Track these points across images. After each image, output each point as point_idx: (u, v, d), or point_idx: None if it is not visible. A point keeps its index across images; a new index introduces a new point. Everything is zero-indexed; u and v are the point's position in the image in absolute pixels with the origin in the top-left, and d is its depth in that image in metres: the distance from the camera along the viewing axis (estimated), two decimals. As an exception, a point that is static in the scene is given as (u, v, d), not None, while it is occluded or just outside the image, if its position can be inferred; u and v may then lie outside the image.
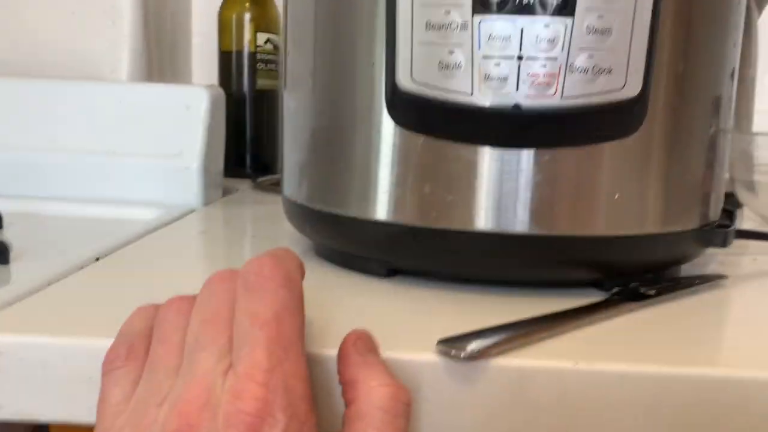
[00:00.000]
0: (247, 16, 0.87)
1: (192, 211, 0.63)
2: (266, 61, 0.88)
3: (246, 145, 0.89)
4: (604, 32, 0.33)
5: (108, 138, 0.65)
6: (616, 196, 0.36)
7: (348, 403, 0.26)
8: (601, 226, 0.36)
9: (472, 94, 0.34)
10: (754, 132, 0.69)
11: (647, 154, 0.36)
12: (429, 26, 0.34)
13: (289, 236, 0.48)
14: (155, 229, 0.53)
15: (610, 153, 0.35)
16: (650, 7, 0.34)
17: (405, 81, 0.35)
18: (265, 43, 0.87)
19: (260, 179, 0.82)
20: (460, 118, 0.35)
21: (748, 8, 0.73)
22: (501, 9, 0.33)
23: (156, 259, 0.45)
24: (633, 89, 0.34)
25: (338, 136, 0.39)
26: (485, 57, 0.33)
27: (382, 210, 0.37)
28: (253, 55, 0.87)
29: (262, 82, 0.88)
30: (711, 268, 0.45)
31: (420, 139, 0.36)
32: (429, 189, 0.36)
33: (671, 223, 0.38)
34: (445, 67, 0.34)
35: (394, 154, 0.37)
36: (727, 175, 0.51)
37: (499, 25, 0.33)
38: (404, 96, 0.35)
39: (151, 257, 0.45)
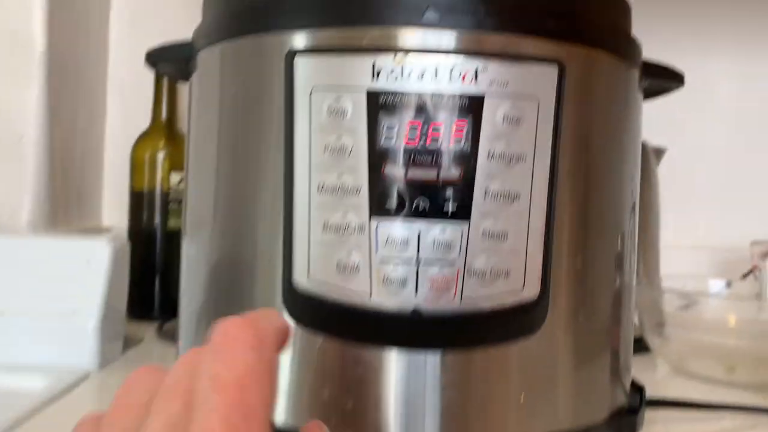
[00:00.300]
0: (161, 155, 0.86)
1: (87, 376, 0.58)
2: (179, 201, 0.86)
3: (154, 287, 0.86)
4: (500, 236, 0.33)
5: (-3, 296, 0.60)
6: (522, 397, 0.35)
7: None
8: (511, 429, 0.35)
9: (371, 296, 0.33)
10: (662, 285, 0.72)
11: (551, 351, 0.36)
12: (326, 227, 0.33)
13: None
14: (39, 408, 0.48)
15: (516, 354, 0.35)
16: (544, 210, 0.34)
17: (302, 279, 0.34)
18: (179, 183, 0.86)
19: (166, 325, 0.78)
20: (359, 319, 0.33)
21: (646, 158, 0.77)
22: (398, 213, 0.33)
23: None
24: (532, 291, 0.34)
25: (234, 329, 0.37)
26: (383, 260, 0.33)
27: (278, 414, 0.35)
28: (165, 195, 0.85)
29: (174, 222, 0.86)
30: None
31: (318, 340, 0.34)
32: (328, 393, 0.34)
33: (582, 417, 0.37)
34: (343, 268, 0.33)
35: (291, 354, 0.35)
36: (636, 321, 0.52)
37: (397, 228, 0.33)
38: (301, 294, 0.34)
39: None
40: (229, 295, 0.37)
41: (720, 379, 0.64)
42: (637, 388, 0.44)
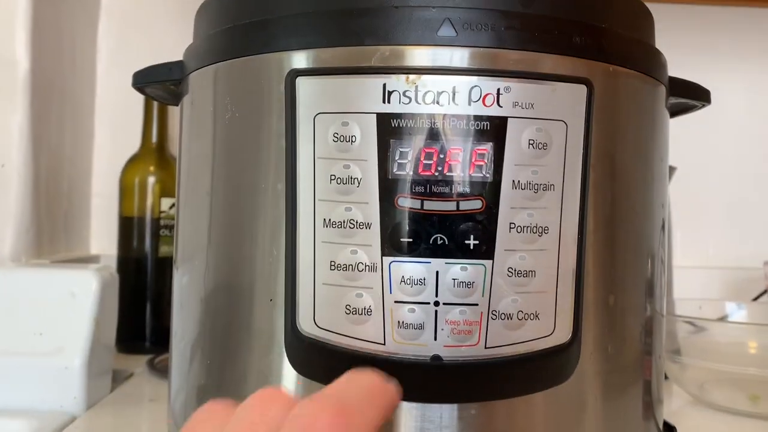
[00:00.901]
0: (152, 180, 0.82)
1: (73, 419, 0.54)
2: (170, 227, 0.82)
3: (145, 315, 0.82)
4: (527, 274, 0.30)
5: (-25, 334, 0.56)
6: (552, 452, 0.31)
7: None
8: (538, 486, 0.31)
9: (384, 343, 0.29)
10: (677, 314, 0.68)
11: (581, 397, 0.32)
12: (334, 267, 0.30)
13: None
14: (19, 459, 0.45)
15: (542, 402, 0.31)
16: (575, 244, 0.31)
17: (307, 325, 0.30)
18: (170, 208, 0.82)
19: (158, 359, 0.74)
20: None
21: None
22: (413, 250, 0.29)
23: None
24: (563, 334, 0.31)
25: (229, 380, 0.33)
26: (398, 302, 0.29)
27: (282, 474, 0.31)
28: (156, 222, 0.82)
29: (165, 249, 0.82)
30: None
31: (326, 391, 0.31)
32: (337, 451, 0.30)
33: (613, 469, 0.34)
34: (353, 311, 0.30)
35: (296, 406, 0.31)
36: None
37: (412, 267, 0.29)
38: (306, 342, 0.30)
39: None
40: (226, 346, 0.34)
41: (743, 411, 0.60)
42: (669, 428, 0.41)
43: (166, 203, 0.82)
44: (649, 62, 0.36)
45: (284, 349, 0.31)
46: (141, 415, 0.58)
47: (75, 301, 0.59)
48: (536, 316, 0.30)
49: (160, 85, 0.41)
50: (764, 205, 0.98)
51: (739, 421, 0.58)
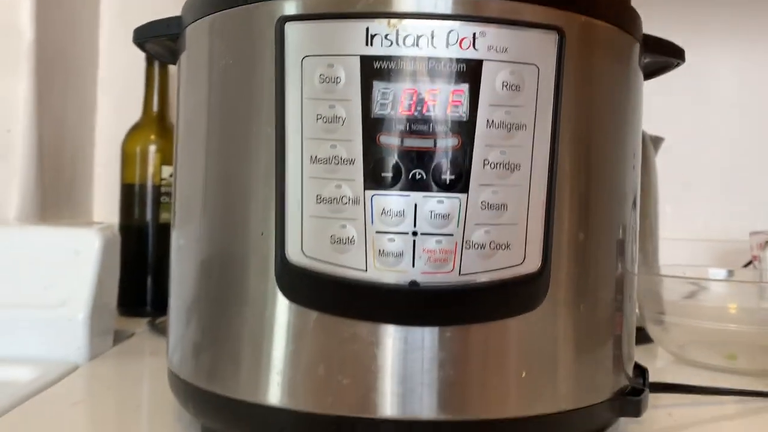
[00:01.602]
0: (152, 148, 0.85)
1: (75, 368, 0.57)
2: (171, 194, 0.84)
3: (147, 281, 0.84)
4: (500, 207, 0.32)
5: (-17, 287, 0.59)
6: (523, 374, 0.34)
7: None
8: (512, 407, 0.34)
9: (366, 270, 0.32)
10: (661, 273, 0.71)
11: (552, 328, 0.35)
12: (320, 200, 0.32)
13: (180, 408, 0.43)
14: (25, 398, 0.47)
15: (514, 329, 0.34)
16: (545, 181, 0.33)
17: (295, 255, 0.33)
18: (171, 176, 0.84)
19: (159, 320, 0.76)
20: (354, 294, 0.32)
21: (645, 147, 0.76)
22: (393, 184, 0.32)
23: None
24: (533, 264, 0.33)
25: (224, 308, 0.36)
26: (379, 232, 0.32)
27: (273, 393, 0.34)
28: (157, 188, 0.84)
29: (166, 216, 0.84)
30: (627, 428, 0.44)
31: (313, 316, 0.33)
32: (324, 371, 0.33)
33: (584, 396, 0.36)
34: (337, 241, 0.32)
35: (285, 332, 0.34)
36: (636, 311, 0.51)
37: (392, 200, 0.32)
38: (295, 270, 0.33)
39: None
40: (222, 276, 0.36)
41: (721, 367, 0.63)
42: (641, 370, 0.43)
43: (166, 171, 0.84)
44: (623, 17, 0.38)
45: (274, 278, 0.34)
46: (142, 366, 0.60)
47: (79, 258, 0.61)
48: (507, 246, 0.32)
49: (159, 40, 0.43)
50: (754, 178, 1.00)
51: (714, 375, 0.61)
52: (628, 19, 0.39)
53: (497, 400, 0.33)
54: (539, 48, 0.33)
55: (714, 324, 0.65)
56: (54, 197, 0.81)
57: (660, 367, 0.65)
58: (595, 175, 0.37)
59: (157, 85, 0.85)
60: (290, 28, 0.32)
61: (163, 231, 0.84)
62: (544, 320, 0.34)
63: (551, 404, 0.35)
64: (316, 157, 0.32)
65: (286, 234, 0.33)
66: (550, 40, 0.33)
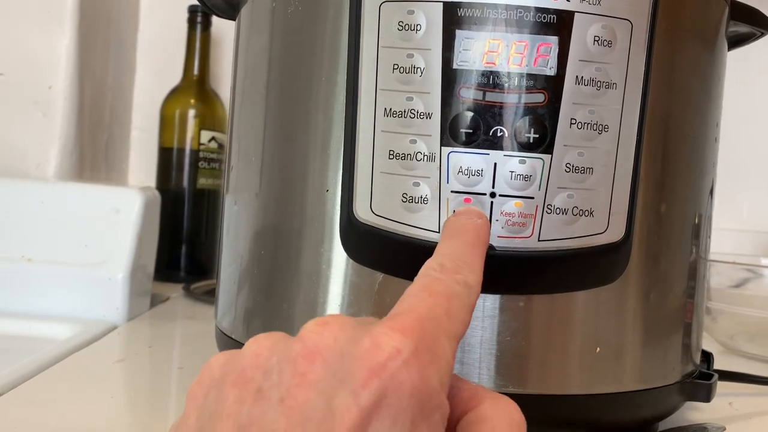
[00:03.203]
0: (192, 113, 0.83)
1: (114, 328, 0.56)
2: (209, 160, 0.83)
3: (182, 247, 0.83)
4: (585, 171, 0.30)
5: (24, 242, 0.58)
6: (597, 350, 0.32)
7: (465, 406, 0.23)
8: (577, 384, 0.32)
9: (438, 231, 0.30)
10: (710, 258, 0.68)
11: (628, 303, 0.33)
12: (392, 156, 0.30)
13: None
14: (66, 354, 0.46)
15: (587, 301, 0.32)
16: (633, 145, 0.31)
17: (363, 212, 0.31)
18: (210, 141, 0.83)
19: (194, 286, 0.75)
20: (425, 257, 0.30)
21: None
22: (472, 142, 0.30)
23: (59, 401, 0.38)
24: (616, 233, 0.31)
25: (282, 266, 0.34)
26: (454, 192, 0.30)
27: (331, 357, 0.32)
28: (195, 153, 0.83)
29: (203, 181, 0.83)
30: (687, 416, 0.42)
31: (378, 278, 0.31)
32: (387, 336, 0.31)
33: (652, 378, 0.34)
34: (409, 200, 0.30)
35: (346, 293, 0.32)
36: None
37: (470, 158, 0.30)
38: (362, 229, 0.31)
39: (55, 397, 0.38)
40: (281, 235, 0.35)
41: (774, 360, 0.61)
42: (705, 355, 0.41)
43: (205, 136, 0.83)
44: (715, -23, 0.36)
45: (337, 238, 0.32)
46: (179, 329, 0.59)
47: (119, 217, 0.60)
48: (590, 213, 0.30)
49: (219, -11, 0.41)
50: (804, 170, 0.96)
51: (766, 368, 0.58)
52: (720, -20, 0.37)
53: (562, 376, 0.32)
54: (633, 3, 0.30)
55: (765, 313, 0.63)
56: (91, 157, 0.80)
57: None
58: (678, 143, 0.35)
59: (198, 48, 0.84)
60: (369, -29, 0.30)
61: (200, 197, 0.83)
62: (618, 295, 0.32)
63: (619, 383, 0.33)
64: (390, 109, 0.30)
65: (354, 190, 0.31)
66: (645, -6, 0.31)
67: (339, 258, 0.32)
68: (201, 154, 0.83)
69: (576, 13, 0.29)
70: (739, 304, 0.65)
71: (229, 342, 0.38)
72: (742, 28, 0.41)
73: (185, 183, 0.83)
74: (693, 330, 0.38)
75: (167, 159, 0.83)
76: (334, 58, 0.32)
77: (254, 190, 0.36)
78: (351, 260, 0.32)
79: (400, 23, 0.30)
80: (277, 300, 0.35)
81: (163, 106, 0.84)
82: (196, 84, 0.84)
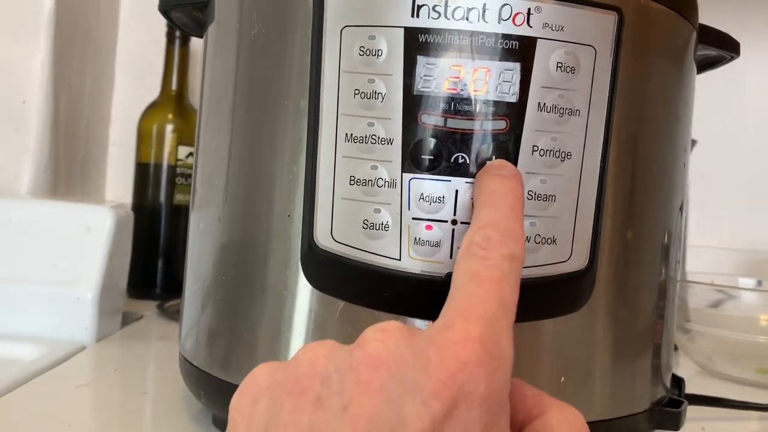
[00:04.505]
0: (169, 128, 0.82)
1: (82, 348, 0.55)
2: (187, 176, 0.82)
3: (158, 264, 0.82)
4: (548, 198, 0.30)
5: (-9, 261, 0.57)
6: (562, 380, 0.31)
7: (529, 412, 0.23)
8: (544, 413, 0.31)
9: (400, 259, 0.29)
10: (689, 279, 0.68)
11: (593, 330, 0.32)
12: (353, 181, 0.30)
13: (190, 396, 0.41)
14: (28, 378, 0.45)
15: (553, 330, 0.31)
16: (597, 172, 0.31)
17: (324, 239, 0.30)
18: (187, 156, 0.82)
19: (168, 304, 0.74)
20: (385, 285, 0.30)
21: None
22: (433, 168, 0.29)
23: (12, 430, 0.37)
24: (579, 261, 0.30)
25: (244, 294, 0.33)
26: (415, 219, 0.29)
27: (291, 387, 0.31)
28: (172, 169, 0.82)
29: (180, 197, 0.82)
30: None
31: (339, 306, 0.31)
32: (347, 366, 0.30)
33: (621, 406, 0.34)
34: (370, 227, 0.30)
35: (308, 321, 0.32)
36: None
37: (431, 185, 0.29)
38: (322, 256, 0.30)
39: (7, 426, 0.37)
40: (243, 259, 0.34)
41: (751, 381, 0.60)
42: (677, 380, 0.41)
43: (183, 151, 0.82)
44: (682, 2, 0.36)
45: (300, 265, 0.31)
46: (149, 349, 0.58)
47: (90, 235, 0.59)
48: (553, 240, 0.30)
49: (185, 8, 0.40)
50: (783, 188, 0.97)
51: (743, 389, 0.58)
52: (687, 5, 0.37)
53: (533, 406, 0.31)
54: (597, 28, 0.30)
55: (744, 335, 0.63)
56: (67, 173, 0.79)
57: (685, 378, 0.63)
58: (645, 168, 0.34)
59: (176, 63, 0.83)
60: (330, -5, 0.30)
61: (177, 213, 0.82)
62: (584, 323, 0.32)
63: (586, 413, 0.33)
64: (351, 135, 0.30)
65: (315, 216, 0.30)
66: (608, 20, 0.30)
67: (302, 285, 0.32)
68: (178, 170, 0.82)
69: (539, 39, 0.29)
70: (717, 324, 0.65)
71: (190, 369, 0.37)
72: (712, 52, 0.41)
73: (162, 199, 0.82)
74: (663, 353, 0.37)
75: (144, 175, 0.83)
76: (298, 82, 0.32)
77: (217, 214, 0.36)
78: (313, 289, 0.31)
79: (362, 48, 0.30)
80: (239, 326, 0.34)
81: (140, 121, 0.83)
82: (174, 99, 0.83)
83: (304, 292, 0.32)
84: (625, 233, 0.33)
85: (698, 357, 0.65)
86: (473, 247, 0.24)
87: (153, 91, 0.84)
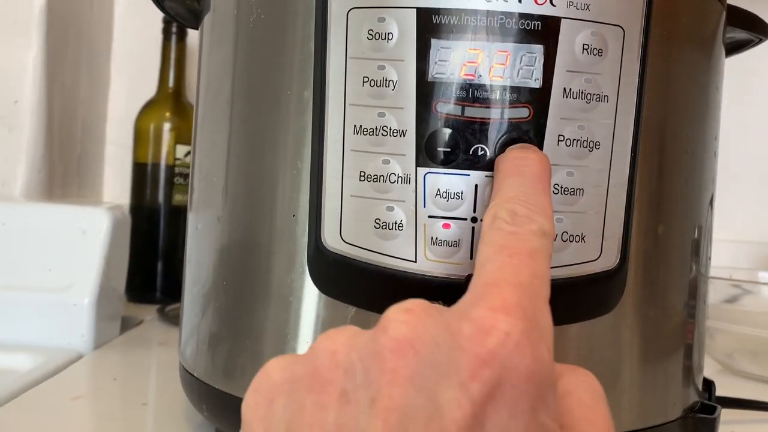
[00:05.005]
0: (167, 126, 0.80)
1: (79, 357, 0.52)
2: (185, 176, 0.80)
3: (157, 266, 0.80)
4: (575, 192, 0.27)
5: (-17, 267, 0.55)
6: (591, 388, 0.29)
7: None
8: (573, 424, 0.29)
9: (415, 261, 0.27)
10: (718, 277, 0.66)
11: (623, 334, 0.30)
12: (363, 177, 0.27)
13: (191, 407, 0.39)
14: (22, 390, 0.43)
15: (581, 334, 0.29)
16: (627, 163, 0.28)
17: (332, 240, 0.28)
18: (186, 156, 0.80)
19: (169, 308, 0.72)
20: (400, 289, 0.27)
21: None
22: (451, 161, 0.27)
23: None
24: (610, 260, 0.28)
25: (247, 299, 0.31)
26: (432, 217, 0.27)
27: (299, 400, 0.29)
28: (171, 169, 0.80)
29: (179, 198, 0.80)
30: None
31: (350, 312, 0.29)
32: (360, 377, 0.28)
33: (652, 415, 0.31)
34: (382, 226, 0.27)
35: (316, 329, 0.29)
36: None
37: (448, 180, 0.27)
38: (331, 258, 0.28)
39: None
40: (245, 263, 0.32)
41: (773, 379, 0.58)
42: (707, 384, 0.39)
43: (181, 151, 0.80)
44: (711, -20, 0.33)
45: (306, 267, 0.29)
46: (150, 357, 0.56)
47: (86, 238, 0.57)
48: (582, 238, 0.27)
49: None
50: (798, 179, 0.94)
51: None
52: (716, -16, 0.34)
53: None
54: (625, 7, 0.28)
55: (763, 332, 0.60)
56: (62, 174, 0.77)
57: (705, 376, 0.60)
58: (674, 159, 0.32)
59: (173, 60, 0.81)
60: (335, -26, 0.28)
61: (176, 214, 0.80)
62: (613, 325, 0.30)
63: (615, 422, 0.31)
64: (360, 126, 0.27)
65: (322, 216, 0.28)
66: (637, -2, 0.28)
67: (308, 289, 0.29)
68: (177, 170, 0.79)
69: (563, 19, 0.27)
70: (735, 319, 0.62)
71: (191, 380, 0.34)
72: (740, 35, 0.39)
73: (160, 199, 0.80)
74: (694, 354, 0.35)
75: (142, 175, 0.80)
76: (301, 71, 0.30)
77: (216, 214, 0.33)
78: (321, 294, 0.29)
79: (370, 32, 0.27)
80: (242, 334, 0.32)
81: (137, 120, 0.81)
82: (171, 97, 0.81)
83: (310, 296, 0.29)
84: (657, 228, 0.31)
85: (718, 355, 0.63)
86: (499, 222, 0.22)
87: (150, 88, 0.81)
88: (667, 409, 0.33)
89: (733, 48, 0.40)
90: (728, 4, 0.36)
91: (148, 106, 0.81)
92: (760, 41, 0.39)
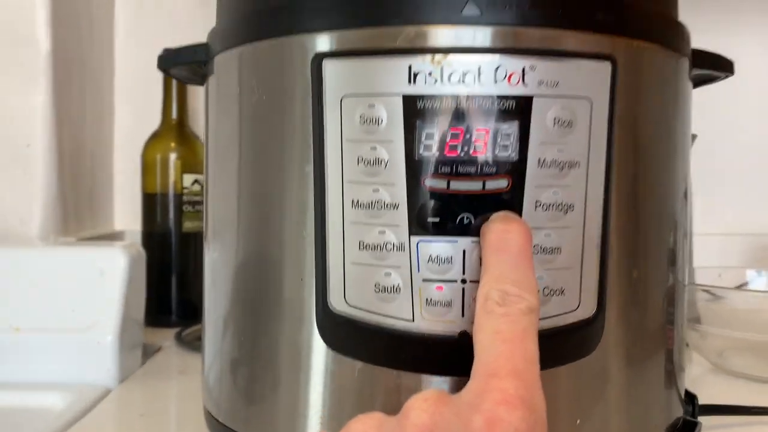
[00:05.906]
0: (173, 156, 0.83)
1: (107, 392, 0.56)
2: (194, 203, 0.83)
3: (171, 291, 0.83)
4: (553, 251, 0.30)
5: (10, 311, 0.58)
6: (578, 422, 0.32)
7: None
8: (561, 456, 0.32)
9: (413, 320, 0.30)
10: (697, 284, 0.69)
11: (606, 370, 0.33)
12: (362, 247, 0.31)
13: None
14: (63, 427, 0.46)
15: (565, 375, 0.32)
16: (600, 220, 0.31)
17: (338, 303, 0.31)
18: (193, 184, 0.83)
19: (186, 332, 0.75)
20: (401, 345, 0.31)
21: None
22: (440, 230, 0.30)
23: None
24: (588, 309, 0.31)
25: (263, 358, 0.34)
26: (426, 280, 0.30)
27: (316, 445, 0.32)
28: (179, 197, 0.83)
29: (189, 225, 0.83)
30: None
31: (357, 366, 0.32)
32: (369, 423, 0.31)
33: (637, 437, 0.35)
34: (381, 290, 0.31)
35: (326, 381, 0.32)
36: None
37: (439, 247, 0.30)
38: (338, 319, 0.31)
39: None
40: (258, 324, 0.35)
41: (763, 377, 0.61)
42: (689, 397, 0.42)
43: (188, 179, 0.83)
44: (672, 36, 0.36)
45: (315, 325, 0.32)
46: (171, 388, 0.59)
47: (104, 278, 0.60)
48: (561, 292, 0.31)
49: (185, 67, 0.41)
50: (786, 171, 0.97)
51: (759, 387, 0.59)
52: (678, 37, 0.37)
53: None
54: (592, 80, 0.31)
55: (753, 334, 0.63)
56: (75, 208, 0.80)
57: (697, 377, 0.64)
58: (646, 206, 0.35)
59: (175, 92, 0.84)
60: (328, 65, 0.31)
61: (186, 239, 0.83)
62: (596, 365, 0.33)
63: (603, 447, 0.34)
64: (357, 201, 0.31)
65: (328, 281, 0.31)
66: (603, 70, 0.31)
67: (318, 347, 0.33)
68: (185, 198, 0.83)
69: (534, 98, 0.30)
70: (726, 320, 0.65)
71: (213, 422, 0.38)
72: (707, 72, 0.41)
73: (171, 227, 0.83)
74: (675, 369, 0.38)
75: (151, 205, 0.83)
76: (302, 149, 0.32)
77: (231, 271, 0.36)
78: (329, 349, 0.32)
79: (362, 116, 0.30)
80: (259, 388, 0.35)
81: (143, 152, 0.84)
82: (175, 127, 0.84)
83: (321, 353, 0.32)
84: (632, 273, 0.34)
85: (710, 355, 0.66)
86: (490, 304, 0.25)
87: (154, 120, 0.84)
88: (652, 428, 0.36)
89: (702, 81, 0.42)
90: (692, 49, 0.39)
91: (154, 138, 0.84)
92: (727, 77, 0.42)
